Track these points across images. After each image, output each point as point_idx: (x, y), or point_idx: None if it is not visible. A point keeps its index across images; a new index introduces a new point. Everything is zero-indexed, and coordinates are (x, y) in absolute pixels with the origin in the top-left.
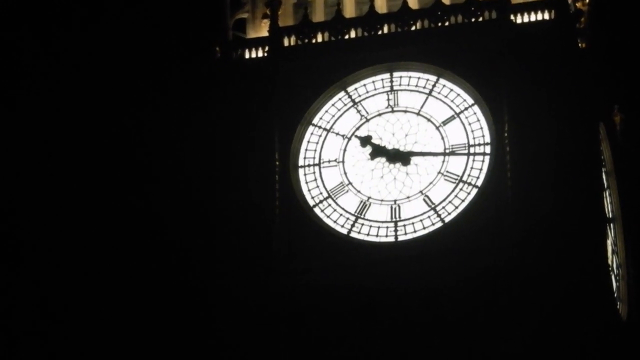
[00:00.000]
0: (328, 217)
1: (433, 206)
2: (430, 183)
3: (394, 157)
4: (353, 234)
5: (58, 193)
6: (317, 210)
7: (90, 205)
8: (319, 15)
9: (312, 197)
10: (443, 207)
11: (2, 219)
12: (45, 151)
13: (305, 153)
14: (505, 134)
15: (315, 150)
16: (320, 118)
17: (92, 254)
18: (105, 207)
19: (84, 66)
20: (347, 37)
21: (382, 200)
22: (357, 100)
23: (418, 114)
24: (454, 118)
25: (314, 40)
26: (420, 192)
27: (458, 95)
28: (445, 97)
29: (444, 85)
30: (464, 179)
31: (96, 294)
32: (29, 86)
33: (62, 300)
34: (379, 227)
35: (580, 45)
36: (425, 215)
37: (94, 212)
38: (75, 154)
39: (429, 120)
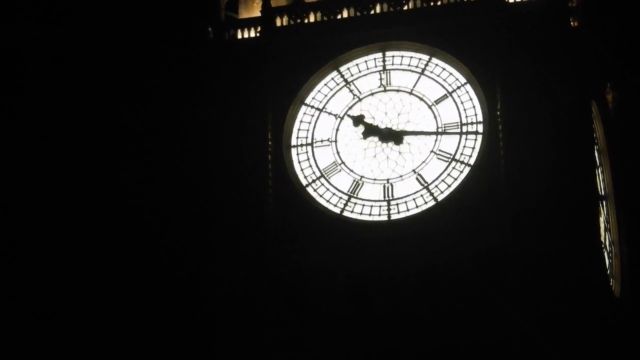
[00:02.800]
0: (321, 196)
1: (426, 185)
2: (423, 162)
3: (387, 136)
4: (346, 213)
5: (45, 188)
6: (310, 189)
7: (79, 190)
8: None
9: (305, 177)
10: (436, 186)
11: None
12: (30, 144)
13: (297, 133)
14: (498, 113)
15: (307, 130)
16: (313, 98)
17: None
18: (99, 187)
19: (75, 50)
20: (339, 17)
21: (374, 180)
22: (349, 79)
23: (410, 93)
24: (447, 97)
25: (306, 20)
26: (413, 170)
27: (450, 74)
28: (438, 76)
29: (437, 65)
30: (457, 157)
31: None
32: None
33: (56, 293)
34: (371, 206)
35: (572, 23)
36: (418, 194)
37: (84, 196)
38: (63, 139)
39: (421, 99)
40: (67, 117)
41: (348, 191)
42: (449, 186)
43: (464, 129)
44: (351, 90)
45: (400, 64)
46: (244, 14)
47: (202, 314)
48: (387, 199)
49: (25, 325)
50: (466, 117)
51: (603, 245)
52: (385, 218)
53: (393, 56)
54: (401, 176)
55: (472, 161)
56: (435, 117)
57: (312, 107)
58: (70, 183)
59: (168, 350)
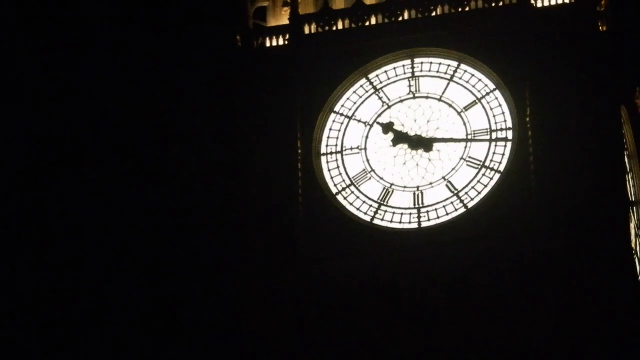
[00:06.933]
0: (351, 204)
1: (456, 192)
2: (453, 169)
3: (416, 144)
4: (376, 221)
5: (83, 194)
6: (339, 197)
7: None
8: (339, 2)
9: (335, 185)
10: (466, 193)
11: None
12: (52, 147)
13: (327, 140)
14: (527, 119)
15: (337, 138)
16: (342, 105)
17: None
18: (131, 193)
19: (101, 57)
20: (367, 23)
21: (404, 187)
22: (378, 86)
23: (439, 99)
24: (476, 103)
25: (334, 28)
26: (443, 178)
27: (479, 80)
28: (467, 82)
29: (465, 71)
30: (487, 164)
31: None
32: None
33: (84, 300)
34: (402, 214)
35: (600, 28)
36: (448, 201)
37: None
38: (93, 148)
39: (450, 105)
40: (94, 123)
41: (378, 199)
42: (479, 193)
43: (494, 135)
44: (380, 98)
45: (429, 71)
46: (272, 22)
47: (230, 321)
48: (417, 206)
49: (23, 327)
50: (495, 123)
51: (634, 251)
52: (415, 225)
53: (422, 63)
54: (431, 183)
55: (502, 167)
56: (464, 123)
57: (342, 114)
58: (104, 188)
59: (193, 355)
